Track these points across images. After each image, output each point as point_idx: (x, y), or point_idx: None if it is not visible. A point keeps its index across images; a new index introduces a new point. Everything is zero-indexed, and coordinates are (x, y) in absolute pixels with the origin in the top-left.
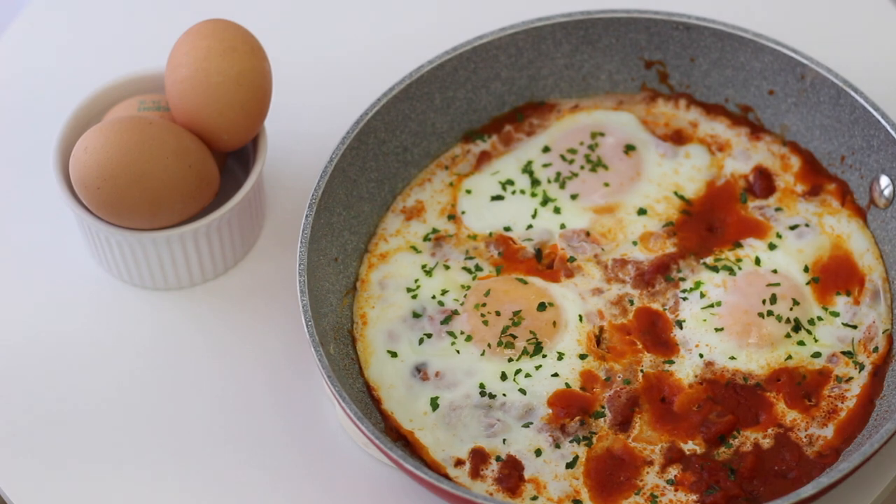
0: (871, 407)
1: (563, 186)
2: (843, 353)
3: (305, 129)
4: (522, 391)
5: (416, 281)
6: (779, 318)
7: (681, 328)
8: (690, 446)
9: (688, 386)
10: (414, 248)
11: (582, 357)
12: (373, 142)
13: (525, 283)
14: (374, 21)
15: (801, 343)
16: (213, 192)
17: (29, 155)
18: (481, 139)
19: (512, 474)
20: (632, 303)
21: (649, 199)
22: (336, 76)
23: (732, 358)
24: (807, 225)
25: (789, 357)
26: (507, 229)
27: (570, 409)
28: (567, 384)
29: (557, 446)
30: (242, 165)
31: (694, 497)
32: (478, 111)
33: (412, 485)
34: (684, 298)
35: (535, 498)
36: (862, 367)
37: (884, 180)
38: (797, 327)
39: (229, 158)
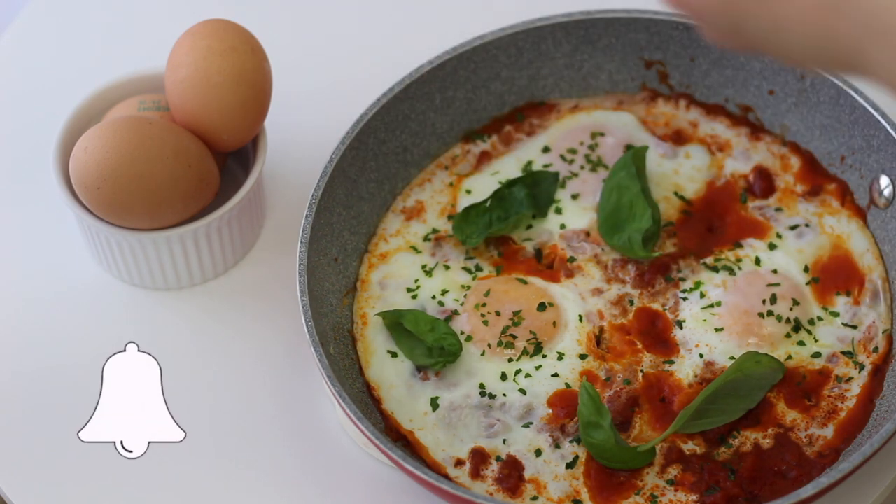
0: (871, 407)
1: (563, 186)
2: (843, 353)
3: (305, 129)
4: (522, 391)
5: (416, 281)
6: (779, 319)
7: (681, 328)
8: (690, 446)
9: (688, 386)
10: (414, 248)
11: (582, 357)
12: (373, 142)
13: (525, 283)
14: (373, 21)
15: (801, 343)
16: (213, 192)
17: (29, 155)
18: (481, 139)
19: (512, 474)
20: (632, 303)
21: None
22: (336, 76)
23: (732, 358)
24: (807, 225)
25: (789, 357)
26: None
27: (570, 409)
28: (567, 384)
29: (557, 446)
30: (242, 165)
31: (694, 497)
32: (478, 111)
33: (412, 485)
34: (684, 298)
35: (535, 498)
36: (862, 367)
37: (884, 180)
38: (797, 327)
39: (229, 158)
